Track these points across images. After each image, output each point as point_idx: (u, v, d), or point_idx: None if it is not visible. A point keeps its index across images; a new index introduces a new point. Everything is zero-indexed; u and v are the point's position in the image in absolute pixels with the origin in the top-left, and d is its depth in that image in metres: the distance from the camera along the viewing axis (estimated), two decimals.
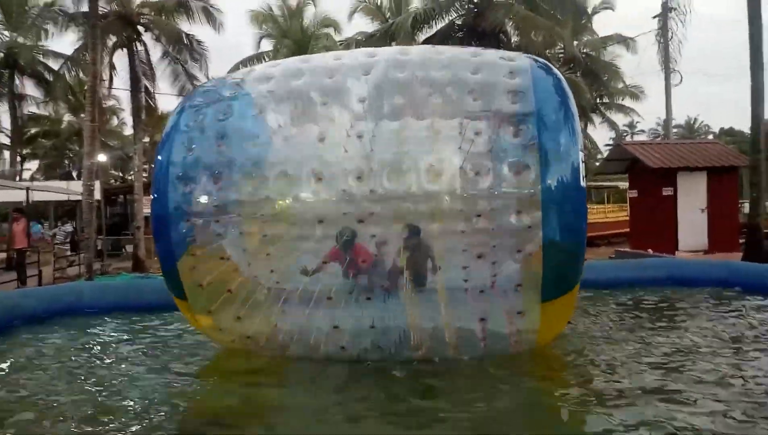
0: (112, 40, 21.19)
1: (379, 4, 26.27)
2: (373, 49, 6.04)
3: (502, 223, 4.49)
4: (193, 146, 4.94)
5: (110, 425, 3.99)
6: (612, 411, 3.93)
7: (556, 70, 4.99)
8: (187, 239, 4.90)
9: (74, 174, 36.05)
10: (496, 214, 4.49)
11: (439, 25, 19.86)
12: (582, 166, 4.49)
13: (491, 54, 5.33)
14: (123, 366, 5.42)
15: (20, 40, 26.99)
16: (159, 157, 5.12)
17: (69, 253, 13.45)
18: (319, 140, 4.75)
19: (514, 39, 19.18)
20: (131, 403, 4.42)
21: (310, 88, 5.00)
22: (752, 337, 5.77)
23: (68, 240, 13.23)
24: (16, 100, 28.38)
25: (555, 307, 4.65)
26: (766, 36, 13.59)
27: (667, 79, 19.68)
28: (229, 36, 25.72)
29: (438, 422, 3.96)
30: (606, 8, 26.38)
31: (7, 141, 32.73)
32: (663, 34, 20.21)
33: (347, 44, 23.77)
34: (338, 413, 4.22)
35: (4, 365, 5.51)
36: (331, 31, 28.34)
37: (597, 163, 26.22)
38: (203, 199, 4.89)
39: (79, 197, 16.16)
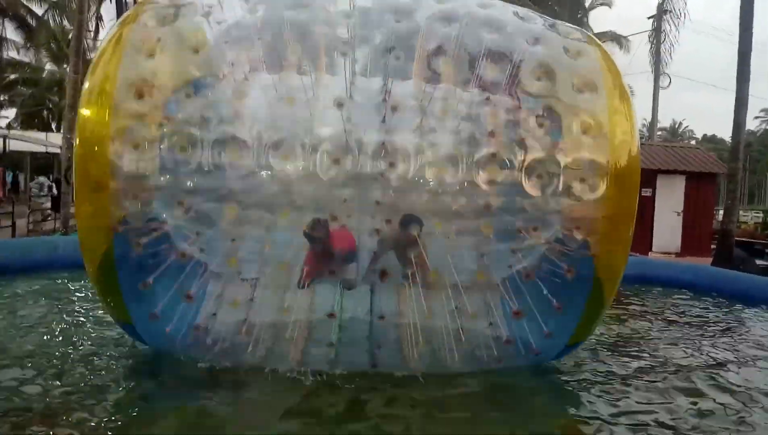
0: None
1: None
2: None
3: None
4: None
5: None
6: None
7: None
8: None
9: (53, 126, 35.15)
10: None
11: None
12: None
13: None
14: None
15: None
16: None
17: (49, 208, 13.22)
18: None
19: None
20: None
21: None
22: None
23: (43, 193, 12.97)
24: None
25: None
26: (755, 48, 13.79)
27: (656, 81, 19.89)
28: None
29: None
30: (603, 5, 26.43)
31: None
32: (656, 35, 20.35)
33: None
34: None
35: None
36: None
37: None
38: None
39: (58, 150, 15.82)
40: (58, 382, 3.96)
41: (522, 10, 4.50)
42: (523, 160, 3.90)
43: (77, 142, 3.79)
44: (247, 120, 3.78)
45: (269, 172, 3.77)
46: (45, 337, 4.94)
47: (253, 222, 3.86)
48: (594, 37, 4.63)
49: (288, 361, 4.00)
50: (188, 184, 3.74)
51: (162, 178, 3.74)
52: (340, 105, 3.75)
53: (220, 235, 3.94)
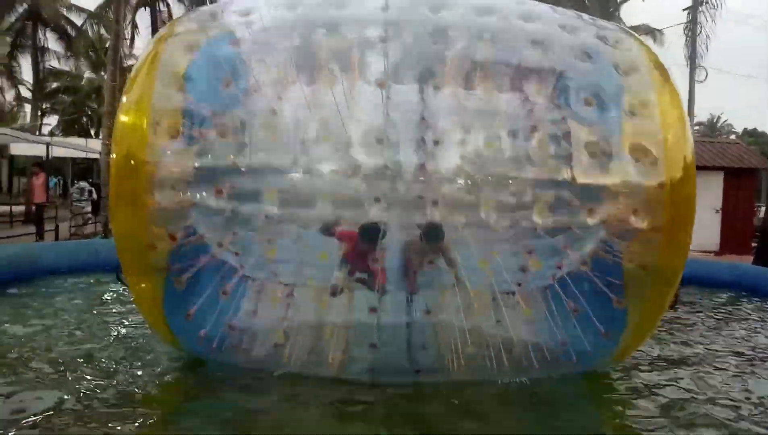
0: None
1: None
2: None
3: None
4: None
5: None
6: None
7: None
8: None
9: (92, 131, 36.34)
10: None
11: None
12: None
13: None
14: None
15: None
16: None
17: (89, 212, 13.72)
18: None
19: None
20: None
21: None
22: None
23: (84, 197, 13.46)
24: (38, 52, 28.49)
25: None
26: None
27: (691, 74, 19.34)
28: None
29: None
30: None
31: (28, 94, 33.01)
32: (692, 27, 19.79)
33: None
34: None
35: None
36: None
37: None
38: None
39: (97, 156, 16.36)
40: (101, 383, 4.09)
41: (568, 18, 4.34)
42: (572, 180, 3.79)
43: (114, 158, 3.83)
44: (281, 133, 3.78)
45: (307, 175, 3.76)
46: (94, 339, 5.17)
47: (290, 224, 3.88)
48: (642, 41, 4.43)
49: (327, 366, 3.97)
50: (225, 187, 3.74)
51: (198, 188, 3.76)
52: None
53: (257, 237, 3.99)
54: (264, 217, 3.78)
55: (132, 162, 3.73)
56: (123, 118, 3.84)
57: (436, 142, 3.78)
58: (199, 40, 4.00)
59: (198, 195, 3.73)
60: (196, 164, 3.73)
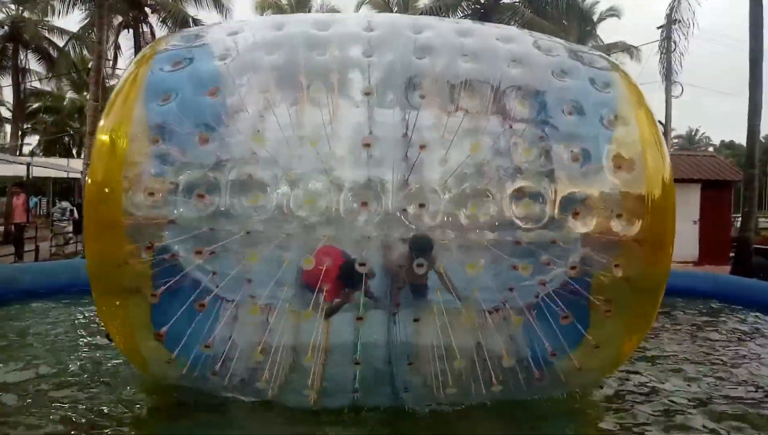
0: (118, 19, 21.22)
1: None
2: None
3: None
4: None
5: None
6: None
7: None
8: None
9: (74, 151, 36.04)
10: None
11: None
12: None
13: None
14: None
15: (26, 14, 26.92)
16: None
17: (71, 232, 13.54)
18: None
19: None
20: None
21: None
22: None
23: (65, 217, 13.33)
24: (19, 73, 28.30)
25: None
26: (766, 53, 13.73)
27: (667, 89, 19.83)
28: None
29: None
30: (612, 15, 26.50)
31: (8, 114, 32.70)
32: (666, 45, 20.34)
33: None
34: None
35: None
36: None
37: None
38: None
39: (79, 175, 16.24)
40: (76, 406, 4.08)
41: (543, 41, 4.44)
42: (554, 193, 3.81)
43: (88, 182, 3.78)
44: (263, 159, 3.70)
45: (287, 212, 3.66)
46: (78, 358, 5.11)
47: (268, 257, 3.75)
48: (617, 64, 4.55)
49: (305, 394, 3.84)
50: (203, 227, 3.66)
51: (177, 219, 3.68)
52: (366, 145, 3.61)
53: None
54: (244, 233, 3.69)
55: (106, 188, 3.68)
56: (101, 138, 3.80)
57: (419, 158, 3.74)
58: (181, 61, 3.98)
59: (174, 212, 3.67)
60: (174, 181, 3.69)
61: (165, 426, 4.06)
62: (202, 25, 21.43)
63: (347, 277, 3.79)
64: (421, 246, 3.77)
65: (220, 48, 4.03)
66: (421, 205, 3.66)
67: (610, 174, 3.86)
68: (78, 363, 5.08)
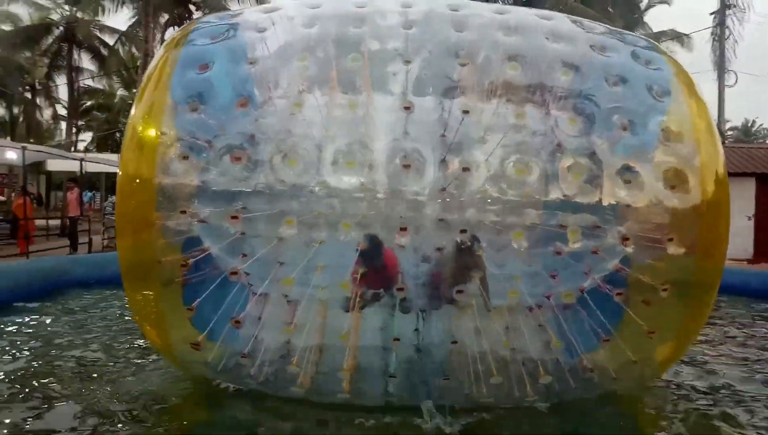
0: (164, 17, 21.81)
1: None
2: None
3: None
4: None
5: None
6: None
7: None
8: None
9: None
10: None
11: None
12: None
13: None
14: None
15: (79, 14, 28.09)
16: None
17: None
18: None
19: None
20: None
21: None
22: None
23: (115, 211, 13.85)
24: (73, 72, 29.56)
25: None
26: None
27: (720, 78, 18.93)
28: None
29: None
30: (662, 2, 25.49)
31: (64, 112, 34.21)
32: (720, 32, 19.40)
33: None
34: None
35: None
36: None
37: None
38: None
39: None
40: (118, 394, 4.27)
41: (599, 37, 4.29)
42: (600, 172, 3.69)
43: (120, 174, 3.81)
44: (300, 137, 3.65)
45: (325, 189, 3.61)
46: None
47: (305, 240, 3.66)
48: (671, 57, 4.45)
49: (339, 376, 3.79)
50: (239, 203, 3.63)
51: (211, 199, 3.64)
52: (406, 108, 3.57)
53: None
54: (277, 239, 3.60)
55: (137, 180, 3.73)
56: (135, 129, 3.82)
57: (461, 163, 3.65)
58: (220, 35, 4.01)
59: (207, 211, 3.63)
60: (205, 179, 3.66)
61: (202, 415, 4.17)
62: None
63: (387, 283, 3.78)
64: (471, 247, 3.67)
65: (257, 22, 4.07)
66: (454, 179, 3.56)
67: (662, 185, 3.72)
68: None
